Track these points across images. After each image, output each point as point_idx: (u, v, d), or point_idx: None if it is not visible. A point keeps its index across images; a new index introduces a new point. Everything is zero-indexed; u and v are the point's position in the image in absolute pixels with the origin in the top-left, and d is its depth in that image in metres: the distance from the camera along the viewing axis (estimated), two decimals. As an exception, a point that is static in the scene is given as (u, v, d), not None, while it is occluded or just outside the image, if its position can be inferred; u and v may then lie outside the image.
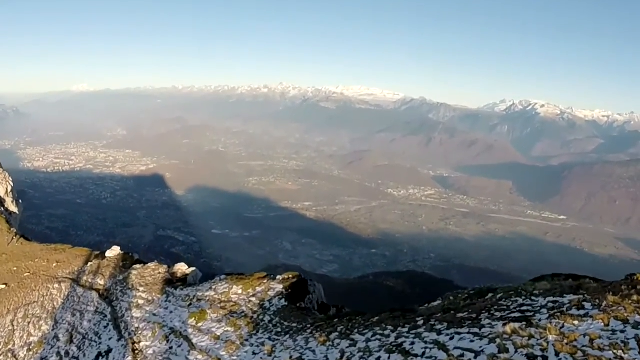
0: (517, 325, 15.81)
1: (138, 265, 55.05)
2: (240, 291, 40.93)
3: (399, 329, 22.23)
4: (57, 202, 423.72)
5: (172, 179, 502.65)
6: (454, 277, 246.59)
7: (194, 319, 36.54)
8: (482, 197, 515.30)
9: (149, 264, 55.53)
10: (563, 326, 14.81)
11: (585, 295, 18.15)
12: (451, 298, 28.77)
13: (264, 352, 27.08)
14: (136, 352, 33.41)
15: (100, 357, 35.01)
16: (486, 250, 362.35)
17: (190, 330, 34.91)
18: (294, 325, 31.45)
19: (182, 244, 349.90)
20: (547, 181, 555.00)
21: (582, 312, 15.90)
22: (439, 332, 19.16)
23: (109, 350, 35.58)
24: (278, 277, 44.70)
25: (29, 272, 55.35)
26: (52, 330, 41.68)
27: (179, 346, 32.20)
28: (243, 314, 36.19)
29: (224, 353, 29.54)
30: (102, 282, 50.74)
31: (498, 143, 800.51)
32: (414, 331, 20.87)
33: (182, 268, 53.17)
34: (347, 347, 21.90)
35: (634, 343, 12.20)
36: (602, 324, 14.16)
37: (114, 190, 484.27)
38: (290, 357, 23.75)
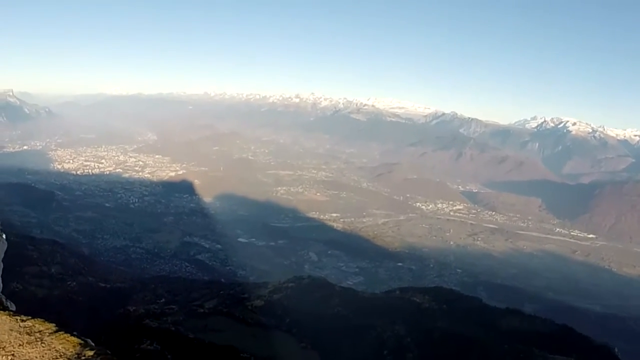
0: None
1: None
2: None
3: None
4: (85, 205, 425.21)
5: (201, 186, 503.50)
6: (481, 294, 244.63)
7: None
8: (511, 213, 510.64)
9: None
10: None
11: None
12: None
13: None
14: None
15: None
16: (513, 267, 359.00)
17: None
18: None
19: (207, 251, 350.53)
20: (576, 199, 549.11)
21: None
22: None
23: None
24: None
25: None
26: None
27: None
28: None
29: None
30: None
31: (528, 160, 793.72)
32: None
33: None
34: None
35: None
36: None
37: (142, 195, 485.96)
38: None
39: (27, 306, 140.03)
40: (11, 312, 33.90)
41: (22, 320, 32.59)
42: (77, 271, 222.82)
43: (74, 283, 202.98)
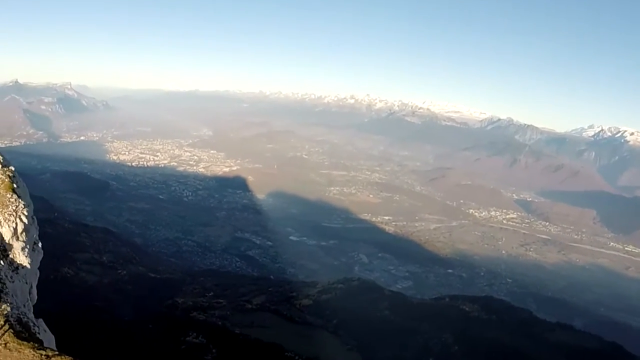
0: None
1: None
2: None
3: None
4: (139, 196, 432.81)
5: (254, 182, 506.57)
6: (531, 305, 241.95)
7: None
8: (565, 224, 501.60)
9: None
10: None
11: None
12: None
13: None
14: None
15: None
16: (564, 280, 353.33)
17: None
18: None
19: (258, 247, 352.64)
20: (632, 213, 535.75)
21: None
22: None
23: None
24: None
25: None
26: None
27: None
28: None
29: None
30: None
31: (584, 170, 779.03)
32: None
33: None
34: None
35: None
36: None
37: (195, 189, 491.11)
38: None
39: (77, 292, 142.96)
40: (36, 346, 28.60)
41: (47, 357, 27.34)
42: (128, 260, 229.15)
43: (124, 272, 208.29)
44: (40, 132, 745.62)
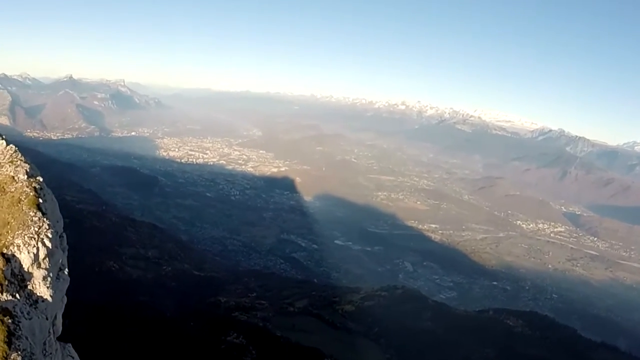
0: None
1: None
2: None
3: None
4: (186, 193, 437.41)
5: (302, 184, 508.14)
6: (575, 323, 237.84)
7: None
8: (613, 240, 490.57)
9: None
10: None
11: None
12: None
13: None
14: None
15: None
16: (611, 298, 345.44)
17: None
18: None
19: (303, 250, 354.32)
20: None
21: None
22: None
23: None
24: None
25: None
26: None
27: None
28: None
29: None
30: None
31: (635, 185, 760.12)
32: None
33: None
34: None
35: None
36: None
37: (243, 188, 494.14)
38: None
39: (121, 286, 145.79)
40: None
41: None
42: (173, 256, 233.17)
43: (169, 268, 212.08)
44: (92, 127, 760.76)
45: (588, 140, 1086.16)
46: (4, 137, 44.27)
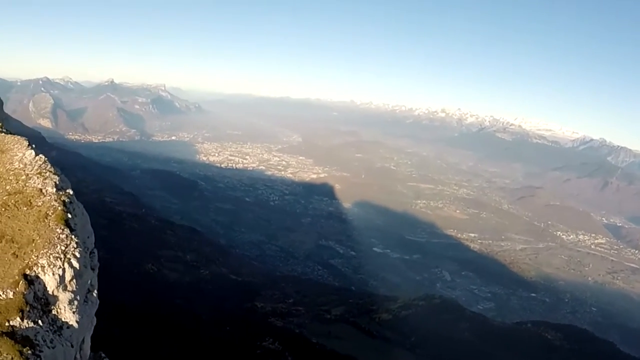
0: None
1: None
2: None
3: None
4: (226, 197, 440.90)
5: (341, 191, 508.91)
6: (614, 337, 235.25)
7: None
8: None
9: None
10: None
11: None
12: None
13: None
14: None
15: None
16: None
17: None
18: None
19: (341, 256, 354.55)
20: None
21: None
22: None
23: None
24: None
25: None
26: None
27: None
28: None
29: None
30: None
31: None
32: None
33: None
34: None
35: None
36: None
37: (282, 193, 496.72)
38: None
39: (159, 288, 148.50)
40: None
41: None
42: (211, 260, 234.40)
43: (207, 272, 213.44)
44: (133, 130, 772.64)
45: (630, 150, 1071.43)
46: (33, 146, 43.30)
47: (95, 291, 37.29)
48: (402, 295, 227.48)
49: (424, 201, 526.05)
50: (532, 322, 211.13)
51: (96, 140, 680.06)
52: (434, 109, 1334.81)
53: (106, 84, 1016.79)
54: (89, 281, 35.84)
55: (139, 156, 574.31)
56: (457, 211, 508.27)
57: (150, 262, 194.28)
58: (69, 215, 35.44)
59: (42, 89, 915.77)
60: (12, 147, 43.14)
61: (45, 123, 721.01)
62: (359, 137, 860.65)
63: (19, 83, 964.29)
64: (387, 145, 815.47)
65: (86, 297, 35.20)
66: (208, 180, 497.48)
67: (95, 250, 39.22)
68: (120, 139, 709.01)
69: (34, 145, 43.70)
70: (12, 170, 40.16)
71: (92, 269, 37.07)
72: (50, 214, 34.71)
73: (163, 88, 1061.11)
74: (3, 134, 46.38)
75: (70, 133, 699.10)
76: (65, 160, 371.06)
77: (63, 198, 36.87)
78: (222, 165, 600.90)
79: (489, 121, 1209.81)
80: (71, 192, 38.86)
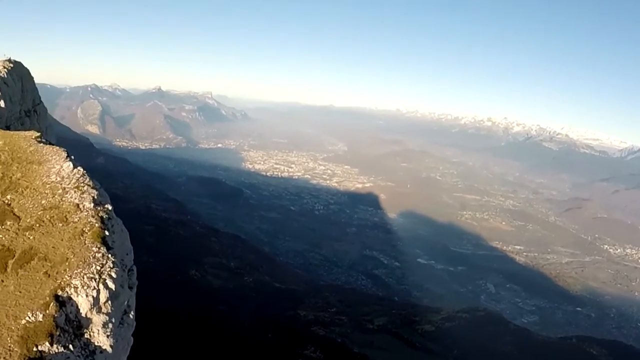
0: None
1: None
2: None
3: None
4: (271, 206, 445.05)
5: (386, 200, 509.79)
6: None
7: None
8: None
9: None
10: None
11: None
12: None
13: None
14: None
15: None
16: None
17: None
18: None
19: (385, 267, 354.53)
20: None
21: None
22: None
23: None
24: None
25: None
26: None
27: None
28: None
29: None
30: None
31: None
32: None
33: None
34: None
35: None
36: None
37: (327, 203, 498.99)
38: None
39: (202, 295, 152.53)
40: None
41: None
42: (254, 268, 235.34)
43: (250, 279, 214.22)
44: (180, 137, 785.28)
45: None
46: (72, 157, 42.54)
47: (132, 312, 36.53)
48: (446, 307, 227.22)
49: (469, 212, 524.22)
50: (577, 337, 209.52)
51: (143, 147, 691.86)
52: (480, 117, 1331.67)
53: (153, 91, 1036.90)
54: (126, 302, 35.04)
55: (185, 163, 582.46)
56: (503, 223, 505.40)
57: (194, 268, 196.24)
58: (107, 233, 34.75)
59: (91, 95, 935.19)
60: (50, 158, 42.35)
61: (93, 129, 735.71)
62: (405, 146, 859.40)
63: (67, 90, 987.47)
64: (433, 154, 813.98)
65: (122, 319, 34.39)
66: (253, 188, 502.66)
67: (134, 268, 38.46)
68: (167, 146, 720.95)
69: (72, 157, 43.19)
70: (49, 184, 39.41)
71: (130, 288, 36.34)
72: (86, 231, 34.05)
73: (210, 96, 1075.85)
74: (42, 144, 45.58)
75: (118, 139, 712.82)
76: (112, 166, 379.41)
77: (101, 214, 36.03)
78: (268, 174, 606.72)
79: (536, 130, 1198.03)
80: (110, 208, 37.82)
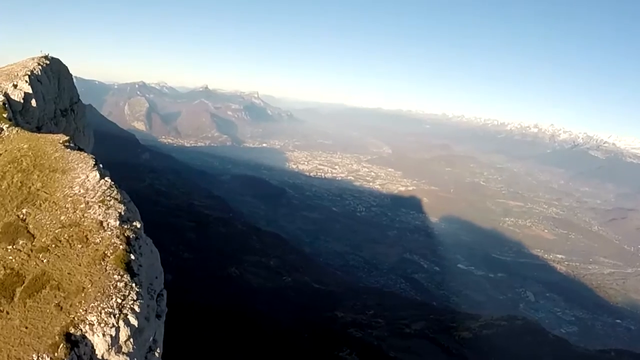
0: None
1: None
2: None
3: None
4: (313, 206, 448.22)
5: (429, 205, 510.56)
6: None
7: None
8: None
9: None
10: None
11: None
12: None
13: None
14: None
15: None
16: None
17: None
18: None
19: (425, 271, 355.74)
20: None
21: None
22: None
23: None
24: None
25: None
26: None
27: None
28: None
29: None
30: None
31: None
32: None
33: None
34: None
35: None
36: None
37: (369, 205, 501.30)
38: None
39: (241, 292, 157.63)
40: None
41: None
42: (294, 268, 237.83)
43: (289, 279, 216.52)
44: (225, 136, 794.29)
45: None
46: (100, 166, 40.14)
47: (159, 349, 33.36)
48: (484, 314, 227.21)
49: (512, 219, 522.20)
50: (616, 351, 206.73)
51: (188, 145, 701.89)
52: (527, 124, 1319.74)
53: (200, 89, 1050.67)
54: (151, 337, 31.83)
55: (230, 161, 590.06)
56: (546, 231, 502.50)
57: (234, 266, 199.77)
58: (132, 257, 31.77)
59: (138, 92, 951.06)
60: (75, 166, 39.97)
61: (140, 126, 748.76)
62: (450, 151, 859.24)
63: (116, 86, 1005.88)
64: (478, 159, 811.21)
65: (146, 357, 31.24)
66: (296, 188, 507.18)
67: (165, 292, 35.76)
68: (212, 144, 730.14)
69: (101, 165, 40.50)
70: (71, 197, 36.48)
71: (158, 317, 33.51)
72: (108, 254, 31.16)
73: (256, 95, 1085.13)
74: (70, 149, 43.27)
75: (164, 136, 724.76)
76: (158, 163, 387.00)
77: (127, 233, 33.28)
78: (311, 174, 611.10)
79: (583, 138, 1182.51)
80: (139, 225, 35.08)
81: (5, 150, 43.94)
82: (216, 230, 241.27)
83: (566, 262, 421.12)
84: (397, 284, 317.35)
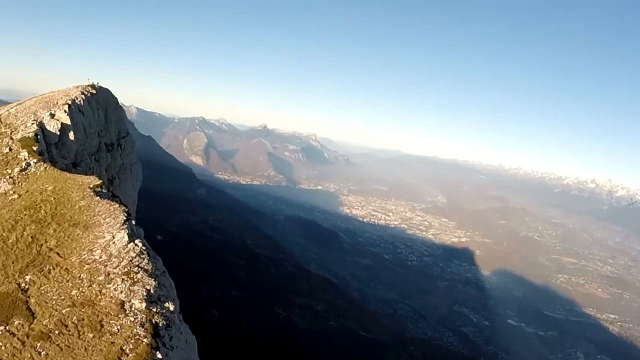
0: None
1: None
2: None
3: None
4: (364, 252, 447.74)
5: (481, 257, 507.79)
6: None
7: None
8: None
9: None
10: None
11: None
12: None
13: None
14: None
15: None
16: None
17: None
18: None
19: (474, 325, 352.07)
20: None
21: None
22: None
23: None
24: None
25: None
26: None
27: None
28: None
29: None
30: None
31: None
32: None
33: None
34: None
35: None
36: None
37: (421, 254, 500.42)
38: None
39: (286, 334, 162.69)
40: None
41: None
42: (341, 313, 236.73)
43: (335, 324, 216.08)
44: (281, 176, 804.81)
45: None
46: (133, 222, 34.44)
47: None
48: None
49: (565, 275, 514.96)
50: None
51: (244, 182, 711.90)
52: (584, 178, 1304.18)
53: (259, 128, 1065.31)
54: None
55: (284, 202, 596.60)
56: (599, 289, 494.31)
57: (281, 307, 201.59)
58: (159, 355, 24.39)
59: (198, 127, 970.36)
60: (102, 221, 34.06)
61: (197, 160, 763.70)
62: (505, 203, 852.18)
63: (176, 120, 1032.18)
64: (533, 213, 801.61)
65: None
66: (349, 232, 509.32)
67: None
68: (268, 183, 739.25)
69: (133, 222, 34.04)
70: (89, 263, 29.83)
71: None
72: (127, 351, 23.78)
73: (314, 138, 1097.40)
74: (99, 197, 37.57)
75: (220, 172, 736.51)
76: (213, 198, 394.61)
77: (156, 319, 26.49)
78: (364, 220, 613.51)
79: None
80: (172, 308, 28.57)
81: (27, 192, 38.64)
82: (266, 269, 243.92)
83: (619, 323, 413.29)
84: (444, 336, 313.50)
